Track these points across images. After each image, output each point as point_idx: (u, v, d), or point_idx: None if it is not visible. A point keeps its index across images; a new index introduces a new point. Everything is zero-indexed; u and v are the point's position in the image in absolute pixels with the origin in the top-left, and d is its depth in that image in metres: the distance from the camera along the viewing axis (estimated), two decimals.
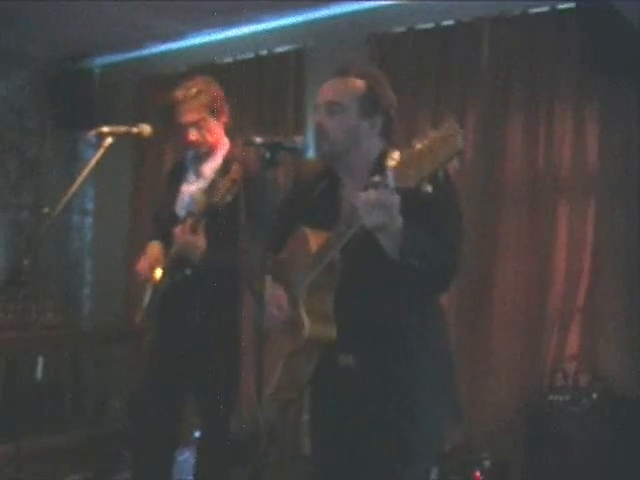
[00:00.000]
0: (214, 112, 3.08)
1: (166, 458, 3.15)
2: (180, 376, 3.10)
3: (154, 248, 3.14)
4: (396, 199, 1.71)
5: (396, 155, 1.68)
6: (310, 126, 2.11)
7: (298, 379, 1.99)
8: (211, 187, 2.88)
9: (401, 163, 1.67)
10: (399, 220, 1.77)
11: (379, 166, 1.73)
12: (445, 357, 2.12)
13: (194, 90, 3.04)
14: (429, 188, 1.65)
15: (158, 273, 3.11)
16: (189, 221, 2.91)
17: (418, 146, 1.64)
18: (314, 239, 1.98)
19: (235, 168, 2.74)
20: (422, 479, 2.12)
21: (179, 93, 3.06)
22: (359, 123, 2.07)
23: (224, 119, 3.13)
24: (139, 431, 3.16)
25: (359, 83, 2.08)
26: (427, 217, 1.93)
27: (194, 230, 2.88)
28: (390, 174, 1.68)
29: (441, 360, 2.09)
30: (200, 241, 2.87)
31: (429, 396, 2.02)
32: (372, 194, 1.73)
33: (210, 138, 3.10)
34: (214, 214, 2.83)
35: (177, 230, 2.96)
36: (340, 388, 2.04)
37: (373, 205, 1.72)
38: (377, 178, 1.73)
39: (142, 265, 3.13)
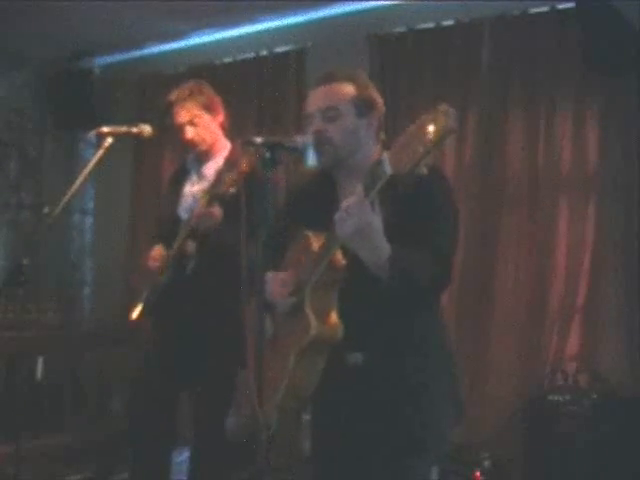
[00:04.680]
0: (209, 110, 3.10)
1: (163, 456, 3.16)
2: (177, 374, 3.11)
3: (157, 249, 3.16)
4: (367, 207, 1.75)
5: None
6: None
7: (307, 381, 1.99)
8: (217, 180, 2.90)
9: (395, 149, 1.69)
10: (374, 232, 1.79)
11: (377, 166, 1.74)
12: (447, 353, 2.13)
13: (187, 91, 3.09)
14: (424, 170, 1.66)
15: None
16: (204, 198, 2.92)
17: (410, 130, 1.66)
18: (316, 241, 1.99)
19: (244, 162, 2.73)
20: (426, 473, 2.14)
21: (172, 95, 3.11)
22: (358, 124, 2.07)
23: (220, 118, 3.14)
24: (138, 428, 3.17)
25: (348, 87, 2.08)
26: (419, 220, 1.94)
27: (209, 204, 2.89)
28: (385, 161, 1.70)
29: (444, 356, 2.11)
30: (217, 210, 2.87)
31: (436, 390, 2.04)
32: (344, 203, 1.77)
33: (207, 136, 3.10)
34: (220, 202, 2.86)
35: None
36: (348, 387, 2.04)
37: (342, 214, 1.77)
38: (358, 187, 1.77)
39: (151, 260, 3.14)
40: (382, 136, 2.12)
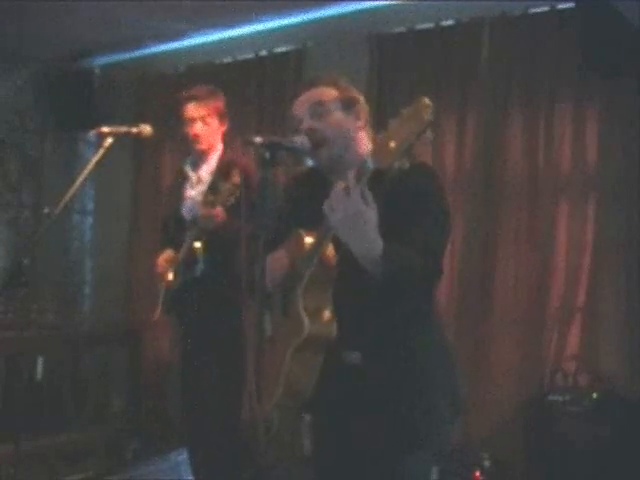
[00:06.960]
0: (220, 117, 3.28)
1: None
2: (198, 372, 3.19)
3: (167, 254, 3.29)
4: (357, 194, 1.74)
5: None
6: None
7: (304, 380, 1.99)
8: (213, 190, 3.04)
9: (377, 145, 1.73)
10: (365, 222, 1.78)
11: (363, 163, 1.77)
12: (444, 349, 2.14)
13: (206, 91, 3.26)
14: (406, 164, 1.70)
15: (170, 275, 3.25)
16: (207, 199, 3.08)
17: (391, 125, 1.71)
18: (309, 238, 2.00)
19: (235, 172, 2.92)
20: (426, 470, 2.14)
21: (192, 91, 3.25)
22: (345, 119, 2.10)
23: (224, 128, 3.31)
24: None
25: (331, 90, 2.13)
26: (408, 216, 1.95)
27: (211, 206, 3.03)
28: (367, 158, 1.74)
29: (440, 352, 2.11)
30: (218, 211, 3.01)
31: (433, 387, 2.05)
32: (333, 191, 1.79)
33: (210, 138, 3.25)
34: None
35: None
36: (345, 386, 2.04)
37: (332, 203, 1.78)
38: (344, 182, 1.78)
39: (160, 263, 3.28)
40: (371, 133, 2.14)
